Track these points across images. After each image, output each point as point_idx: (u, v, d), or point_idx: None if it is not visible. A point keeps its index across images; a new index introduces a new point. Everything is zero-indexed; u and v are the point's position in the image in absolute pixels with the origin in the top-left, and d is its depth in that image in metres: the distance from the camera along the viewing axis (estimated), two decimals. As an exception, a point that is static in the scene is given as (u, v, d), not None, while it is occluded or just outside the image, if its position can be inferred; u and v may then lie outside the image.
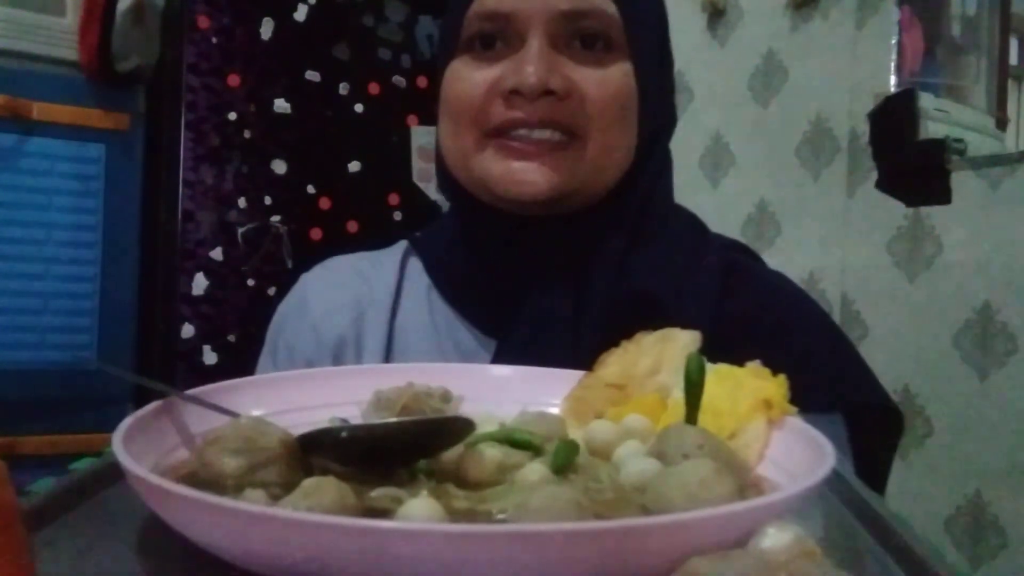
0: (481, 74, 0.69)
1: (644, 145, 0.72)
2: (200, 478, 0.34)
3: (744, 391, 0.40)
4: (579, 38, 0.68)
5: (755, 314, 0.70)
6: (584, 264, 0.69)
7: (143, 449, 0.34)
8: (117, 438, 0.33)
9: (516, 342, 0.67)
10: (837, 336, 0.74)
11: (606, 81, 0.68)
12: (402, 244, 0.83)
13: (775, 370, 0.64)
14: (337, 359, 0.75)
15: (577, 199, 0.69)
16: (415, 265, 0.80)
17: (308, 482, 0.32)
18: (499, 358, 0.67)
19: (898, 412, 0.69)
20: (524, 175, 0.67)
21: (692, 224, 0.78)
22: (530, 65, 0.65)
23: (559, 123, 0.67)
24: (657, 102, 0.73)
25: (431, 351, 0.72)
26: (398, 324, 0.76)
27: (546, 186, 0.67)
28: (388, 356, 0.74)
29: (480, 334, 0.72)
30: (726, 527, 0.28)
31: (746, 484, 0.35)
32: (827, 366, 0.69)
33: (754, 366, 0.42)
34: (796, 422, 0.39)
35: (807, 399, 0.63)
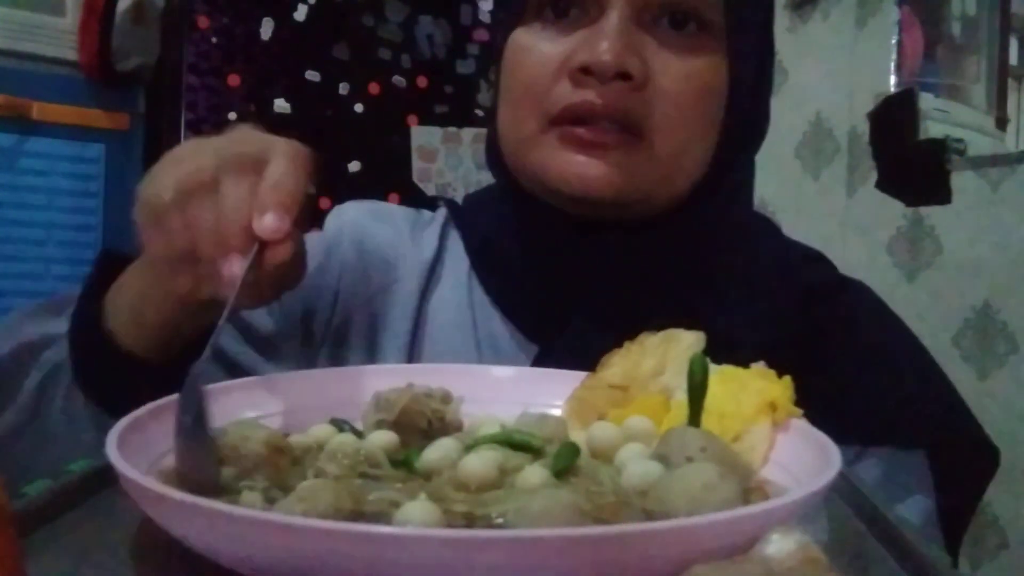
0: (551, 47, 0.60)
1: (726, 153, 0.63)
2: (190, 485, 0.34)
3: (748, 393, 0.40)
4: (668, 15, 0.59)
5: (841, 336, 0.64)
6: (649, 283, 0.62)
7: (138, 451, 0.34)
8: (111, 440, 0.33)
9: (559, 354, 0.60)
10: (927, 363, 0.67)
11: (691, 75, 0.59)
12: (442, 212, 0.74)
13: (859, 395, 0.62)
14: (344, 325, 0.67)
15: (643, 205, 0.61)
16: (456, 240, 0.71)
17: (304, 485, 0.32)
18: (537, 366, 0.60)
19: (993, 448, 0.63)
20: (585, 170, 0.59)
21: (768, 236, 0.71)
22: (606, 40, 0.57)
23: (628, 117, 0.58)
24: (749, 104, 0.64)
25: (466, 347, 0.65)
26: (431, 307, 0.68)
27: (607, 186, 0.59)
28: (414, 342, 0.66)
29: (521, 336, 0.65)
30: (729, 532, 0.27)
31: (750, 488, 0.34)
32: (915, 398, 0.63)
33: (759, 367, 0.42)
34: (801, 424, 0.39)
35: (891, 433, 0.61)
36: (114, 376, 0.53)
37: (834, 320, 0.65)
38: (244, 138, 0.51)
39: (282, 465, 0.35)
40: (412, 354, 0.66)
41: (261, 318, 0.65)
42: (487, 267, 0.68)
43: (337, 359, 0.66)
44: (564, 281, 0.64)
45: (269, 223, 0.46)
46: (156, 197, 0.48)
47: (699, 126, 0.61)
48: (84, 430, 0.54)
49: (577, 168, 0.59)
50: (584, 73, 0.58)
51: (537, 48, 0.61)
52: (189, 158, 0.49)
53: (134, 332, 0.54)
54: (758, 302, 0.64)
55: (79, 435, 0.54)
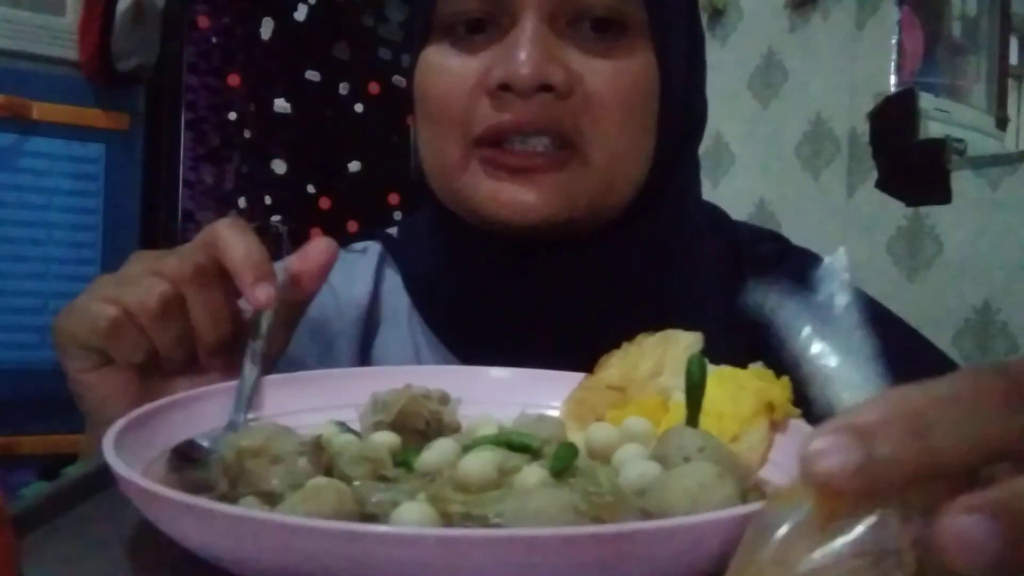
0: (464, 65, 0.56)
1: (666, 151, 0.59)
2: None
3: (746, 393, 0.40)
4: (587, 20, 0.55)
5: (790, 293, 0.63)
6: (602, 299, 0.59)
7: (135, 452, 0.34)
8: (108, 440, 0.32)
9: None
10: (884, 309, 0.64)
11: (619, 76, 0.55)
12: (376, 248, 0.68)
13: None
14: None
15: (584, 223, 0.57)
16: (393, 276, 0.66)
17: (310, 484, 0.32)
18: None
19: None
20: (515, 196, 0.54)
21: (718, 226, 0.67)
22: (522, 52, 0.52)
23: (557, 129, 0.54)
24: (685, 99, 0.60)
25: None
26: (375, 353, 0.63)
27: (543, 211, 0.54)
28: None
29: None
30: (727, 532, 0.27)
31: (748, 488, 0.34)
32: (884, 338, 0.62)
33: (757, 368, 0.42)
34: (800, 425, 0.39)
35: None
36: None
37: (781, 284, 0.64)
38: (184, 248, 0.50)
39: (249, 467, 0.35)
40: None
41: None
42: (428, 304, 0.64)
43: None
44: (510, 310, 0.59)
45: (264, 292, 0.46)
46: (115, 309, 0.46)
47: (635, 129, 0.57)
48: None
49: (507, 195, 0.55)
50: (503, 90, 0.53)
51: (449, 67, 0.56)
52: (133, 280, 0.47)
53: None
54: (711, 295, 0.61)
55: None
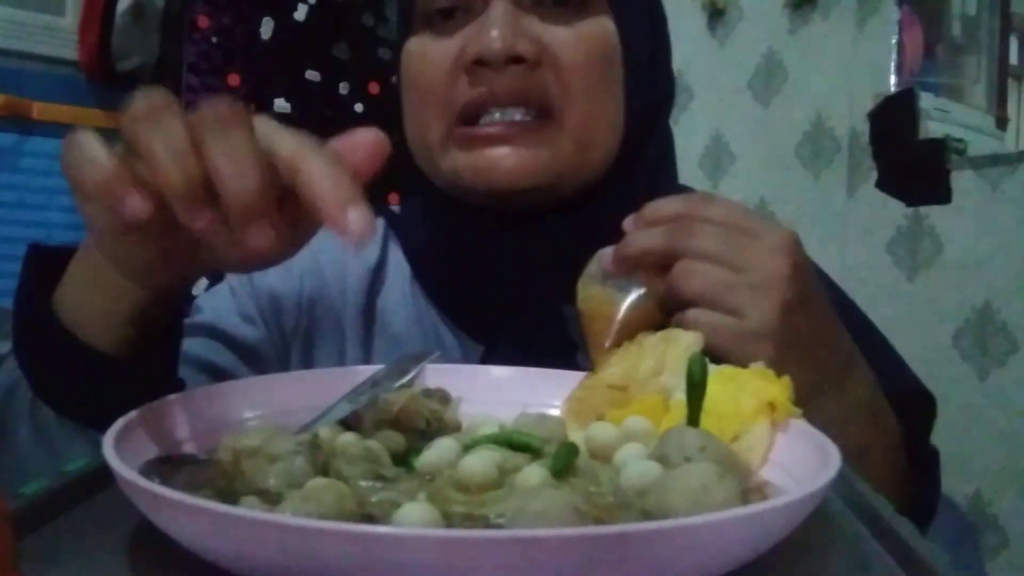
0: (441, 48, 0.61)
1: (636, 121, 0.64)
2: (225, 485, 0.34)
3: (747, 393, 0.39)
4: None
5: None
6: (581, 265, 0.62)
7: (135, 451, 0.34)
8: (108, 440, 0.32)
9: (503, 351, 0.60)
10: (860, 317, 0.67)
11: (581, 40, 0.60)
12: (380, 223, 0.73)
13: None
14: (311, 326, 0.67)
15: (563, 187, 0.61)
16: (396, 250, 0.72)
17: (309, 484, 0.32)
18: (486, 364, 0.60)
19: (930, 396, 0.62)
20: (496, 161, 0.59)
21: None
22: (493, 28, 0.57)
23: (531, 98, 0.59)
24: (648, 67, 0.65)
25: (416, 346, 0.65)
26: (379, 314, 0.68)
27: (523, 172, 0.59)
28: (369, 347, 0.67)
29: (467, 338, 0.65)
30: (728, 532, 0.27)
31: (749, 488, 0.34)
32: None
33: (758, 367, 0.41)
34: (800, 424, 0.39)
35: None
36: (85, 380, 0.48)
37: None
38: None
39: (246, 467, 0.34)
40: (368, 360, 0.66)
41: (244, 329, 0.65)
42: (425, 274, 0.69)
43: (307, 363, 0.66)
44: (498, 277, 0.64)
45: (358, 218, 0.37)
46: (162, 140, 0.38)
47: (602, 90, 0.61)
48: (64, 450, 0.48)
49: (489, 163, 0.59)
50: (478, 65, 0.58)
51: (429, 51, 0.62)
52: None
53: (101, 331, 0.48)
54: None
55: (56, 458, 0.48)
